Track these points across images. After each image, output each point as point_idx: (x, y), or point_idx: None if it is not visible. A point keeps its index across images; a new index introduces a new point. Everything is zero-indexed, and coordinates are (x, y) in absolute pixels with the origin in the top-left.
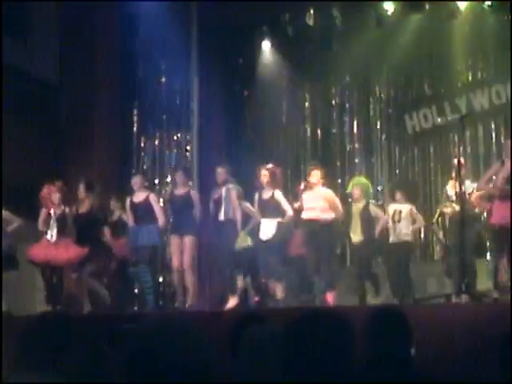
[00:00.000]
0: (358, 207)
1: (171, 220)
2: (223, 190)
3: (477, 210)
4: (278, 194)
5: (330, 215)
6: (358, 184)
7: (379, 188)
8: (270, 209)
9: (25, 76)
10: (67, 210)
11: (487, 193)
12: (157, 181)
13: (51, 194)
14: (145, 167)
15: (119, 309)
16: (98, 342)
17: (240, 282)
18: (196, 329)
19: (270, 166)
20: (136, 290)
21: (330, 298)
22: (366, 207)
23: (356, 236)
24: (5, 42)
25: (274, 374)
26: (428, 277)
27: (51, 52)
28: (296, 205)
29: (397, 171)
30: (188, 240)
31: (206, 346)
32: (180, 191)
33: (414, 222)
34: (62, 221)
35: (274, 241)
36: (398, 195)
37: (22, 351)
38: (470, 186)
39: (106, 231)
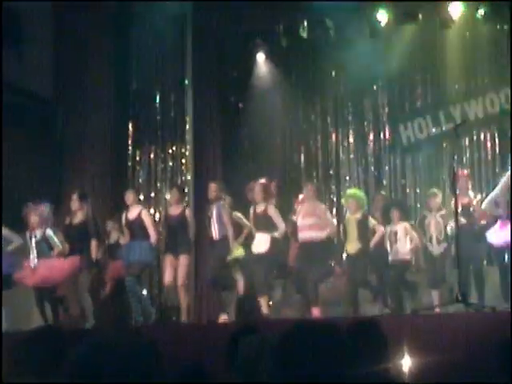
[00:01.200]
0: (354, 218)
1: (166, 239)
2: (215, 207)
3: (482, 222)
4: (271, 209)
5: (323, 233)
6: (352, 196)
7: None
8: (263, 223)
9: (18, 90)
10: (47, 231)
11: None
12: (152, 194)
13: (30, 215)
14: (140, 181)
15: (119, 324)
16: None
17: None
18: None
19: (262, 180)
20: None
21: (316, 312)
22: (363, 218)
23: (352, 246)
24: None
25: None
26: (422, 287)
27: (45, 65)
28: (294, 217)
29: (391, 182)
30: (182, 258)
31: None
32: (174, 211)
33: (410, 240)
34: (42, 244)
35: (266, 255)
36: (393, 214)
37: (14, 366)
38: (472, 198)
39: (94, 245)
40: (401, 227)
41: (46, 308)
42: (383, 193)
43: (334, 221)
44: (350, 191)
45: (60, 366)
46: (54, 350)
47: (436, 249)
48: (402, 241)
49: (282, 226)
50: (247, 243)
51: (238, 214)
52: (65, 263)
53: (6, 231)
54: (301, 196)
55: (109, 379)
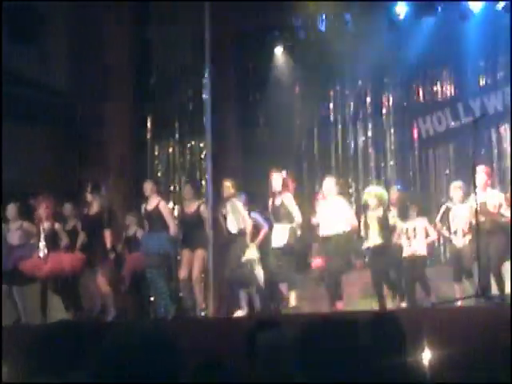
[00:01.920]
0: (375, 215)
1: (182, 235)
2: (229, 204)
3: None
4: (288, 199)
5: (344, 227)
6: (373, 194)
7: None
8: (282, 214)
9: (36, 84)
10: (56, 225)
11: None
12: (171, 188)
13: (40, 208)
14: (159, 175)
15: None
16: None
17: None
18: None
19: (281, 173)
20: (152, 298)
21: (340, 306)
22: (384, 215)
23: (373, 242)
24: (16, 50)
25: (288, 378)
26: (440, 281)
27: (63, 60)
28: (314, 220)
29: (410, 176)
30: (198, 254)
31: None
32: (189, 207)
33: (428, 235)
34: (51, 236)
35: (285, 247)
36: (411, 210)
37: (33, 360)
38: (493, 194)
39: (108, 235)
40: (419, 223)
41: (53, 301)
42: (399, 187)
43: (353, 215)
44: (371, 189)
45: (80, 360)
46: (74, 344)
47: (460, 242)
48: (420, 236)
49: (298, 215)
50: (264, 243)
51: (255, 215)
52: (74, 257)
53: (26, 224)
54: (320, 191)
55: (132, 373)
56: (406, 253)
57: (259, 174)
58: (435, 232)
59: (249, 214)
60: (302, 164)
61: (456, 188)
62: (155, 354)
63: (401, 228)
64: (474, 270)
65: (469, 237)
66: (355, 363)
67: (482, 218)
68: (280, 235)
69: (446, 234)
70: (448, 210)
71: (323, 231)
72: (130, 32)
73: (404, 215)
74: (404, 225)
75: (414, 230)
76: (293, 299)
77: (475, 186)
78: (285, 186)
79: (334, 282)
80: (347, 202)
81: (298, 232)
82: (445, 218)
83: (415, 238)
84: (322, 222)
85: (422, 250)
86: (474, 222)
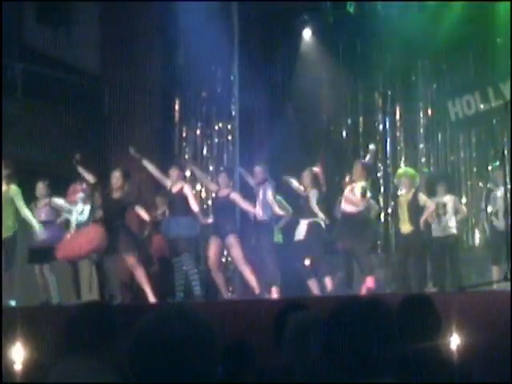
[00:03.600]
0: (405, 198)
1: (212, 220)
2: (261, 189)
3: None
4: (314, 197)
5: (356, 208)
6: (404, 175)
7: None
8: (306, 209)
9: (67, 66)
10: (86, 205)
11: None
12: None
13: (75, 193)
14: (186, 157)
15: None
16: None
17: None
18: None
19: (312, 169)
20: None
21: (371, 282)
22: (414, 197)
23: (404, 227)
24: (47, 33)
25: (316, 359)
26: (470, 264)
27: (93, 42)
28: (342, 205)
29: (440, 159)
30: (229, 239)
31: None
32: (222, 193)
33: (457, 213)
34: (80, 218)
35: (304, 242)
36: (440, 188)
37: (67, 339)
38: None
39: (135, 215)
40: (449, 199)
41: (83, 281)
42: (426, 170)
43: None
44: (402, 170)
45: (112, 342)
46: (104, 325)
47: (501, 223)
48: (451, 213)
49: (319, 212)
50: (287, 228)
51: (279, 198)
52: (102, 236)
53: (60, 201)
54: (348, 176)
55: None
56: (435, 232)
57: (287, 159)
58: (465, 210)
59: (274, 197)
60: (329, 148)
61: (497, 169)
62: (188, 336)
63: (433, 208)
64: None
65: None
66: (384, 347)
67: None
68: (301, 230)
69: (485, 215)
70: (490, 191)
71: (345, 214)
72: (159, 15)
73: (432, 193)
74: (432, 201)
75: (445, 206)
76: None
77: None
78: (315, 180)
79: (363, 258)
80: (374, 185)
81: (320, 227)
82: (486, 200)
83: (445, 215)
84: (348, 206)
85: (452, 228)
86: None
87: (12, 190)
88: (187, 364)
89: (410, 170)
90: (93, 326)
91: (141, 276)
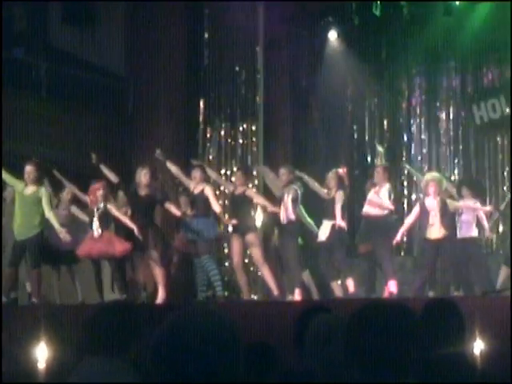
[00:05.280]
0: (434, 202)
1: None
2: (286, 191)
3: None
4: (338, 197)
5: (381, 211)
6: (432, 180)
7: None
8: (329, 211)
9: (91, 66)
10: (109, 206)
11: None
12: (223, 171)
13: (96, 191)
14: (210, 158)
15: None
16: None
17: (305, 277)
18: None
19: (337, 170)
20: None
21: (394, 286)
22: (442, 202)
23: (434, 232)
24: (72, 33)
25: (339, 362)
26: (493, 269)
27: (118, 43)
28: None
29: (464, 162)
30: (249, 237)
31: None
32: (238, 191)
33: (478, 217)
34: (104, 217)
35: (326, 242)
36: (465, 191)
37: (91, 339)
38: None
39: (160, 215)
40: (473, 203)
41: (106, 281)
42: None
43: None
44: (429, 175)
45: (135, 341)
46: (128, 325)
47: None
48: (471, 217)
49: (340, 213)
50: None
51: (301, 210)
52: (125, 238)
53: (74, 209)
54: (370, 180)
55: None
56: (459, 235)
57: (311, 160)
58: (484, 214)
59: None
60: (353, 149)
61: None
62: (212, 335)
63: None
64: None
65: None
66: (407, 351)
67: None
68: (324, 231)
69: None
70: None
71: (370, 217)
72: (183, 16)
73: (455, 197)
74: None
75: (465, 210)
76: (347, 284)
77: None
78: (340, 182)
79: (383, 265)
80: (395, 189)
81: (345, 229)
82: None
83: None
84: (372, 209)
85: (473, 232)
86: None
87: (42, 191)
88: (210, 364)
89: (437, 175)
90: (116, 326)
91: (163, 275)
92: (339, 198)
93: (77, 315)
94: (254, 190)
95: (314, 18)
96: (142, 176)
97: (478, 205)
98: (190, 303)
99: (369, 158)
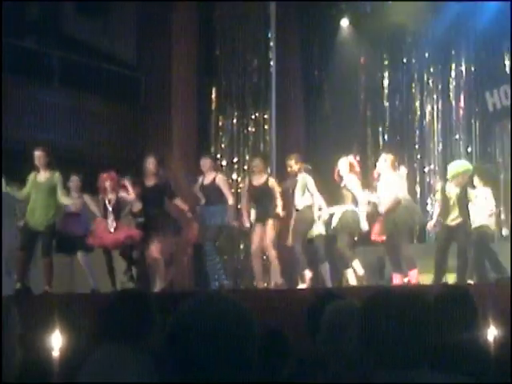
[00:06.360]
0: (456, 192)
1: (253, 209)
2: (299, 179)
3: None
4: (350, 181)
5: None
6: (463, 170)
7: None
8: (344, 196)
9: (104, 55)
10: (120, 195)
11: None
12: (235, 160)
13: (105, 182)
14: (222, 146)
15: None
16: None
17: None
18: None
19: (348, 157)
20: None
21: (414, 276)
22: (464, 192)
23: (452, 219)
24: (85, 22)
25: (353, 350)
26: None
27: (130, 31)
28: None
29: (477, 150)
30: (269, 224)
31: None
32: (258, 180)
33: (489, 205)
34: (116, 207)
35: (339, 228)
36: (476, 180)
37: (104, 327)
38: None
39: (179, 202)
40: (484, 192)
41: (118, 270)
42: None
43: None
44: (460, 165)
45: (149, 330)
46: (141, 313)
47: None
48: (483, 205)
49: (360, 197)
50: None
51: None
52: (136, 227)
53: (86, 198)
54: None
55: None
56: (473, 223)
57: (323, 148)
58: (494, 203)
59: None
60: (366, 138)
61: None
62: (226, 323)
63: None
64: None
65: None
66: (421, 338)
67: None
68: (337, 216)
69: None
70: None
71: (382, 207)
72: (195, 4)
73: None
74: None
75: (476, 198)
76: (358, 272)
77: None
78: (351, 169)
79: (398, 254)
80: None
81: (362, 214)
82: None
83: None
84: (380, 199)
85: (485, 220)
86: None
87: (56, 176)
88: (224, 351)
89: (467, 164)
90: (129, 314)
91: (177, 262)
92: (351, 185)
93: (90, 303)
94: (273, 180)
95: (326, 6)
96: (151, 164)
97: (489, 193)
98: (204, 291)
99: (380, 146)
